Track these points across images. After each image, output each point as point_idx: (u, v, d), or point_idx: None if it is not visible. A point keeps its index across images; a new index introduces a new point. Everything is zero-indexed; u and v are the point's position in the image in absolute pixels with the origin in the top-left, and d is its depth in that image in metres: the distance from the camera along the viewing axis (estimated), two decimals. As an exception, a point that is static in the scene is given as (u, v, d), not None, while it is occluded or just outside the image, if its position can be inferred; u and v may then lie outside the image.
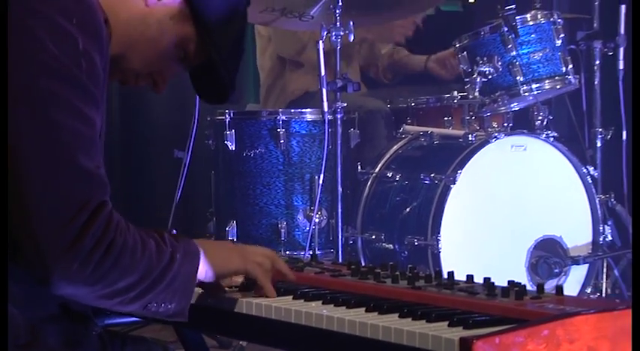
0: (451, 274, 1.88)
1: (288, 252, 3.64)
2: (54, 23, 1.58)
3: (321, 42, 3.41)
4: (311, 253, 3.53)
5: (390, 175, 3.53)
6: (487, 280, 1.79)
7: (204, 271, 1.74)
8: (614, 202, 3.76)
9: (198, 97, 1.98)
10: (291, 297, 1.79)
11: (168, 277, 1.66)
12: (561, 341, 1.49)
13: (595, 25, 3.84)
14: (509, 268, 3.37)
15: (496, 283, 1.78)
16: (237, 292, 1.86)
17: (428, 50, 4.51)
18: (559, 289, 1.70)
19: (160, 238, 1.68)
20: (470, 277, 1.88)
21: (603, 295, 3.62)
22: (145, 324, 2.82)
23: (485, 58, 3.56)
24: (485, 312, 1.60)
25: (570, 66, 3.63)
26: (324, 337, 1.66)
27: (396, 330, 1.55)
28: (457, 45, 3.68)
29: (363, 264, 3.46)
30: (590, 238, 3.52)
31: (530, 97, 3.59)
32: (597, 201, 3.54)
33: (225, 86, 1.87)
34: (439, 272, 1.89)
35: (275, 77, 4.31)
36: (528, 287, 3.37)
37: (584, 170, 3.52)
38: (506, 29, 3.55)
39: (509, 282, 1.74)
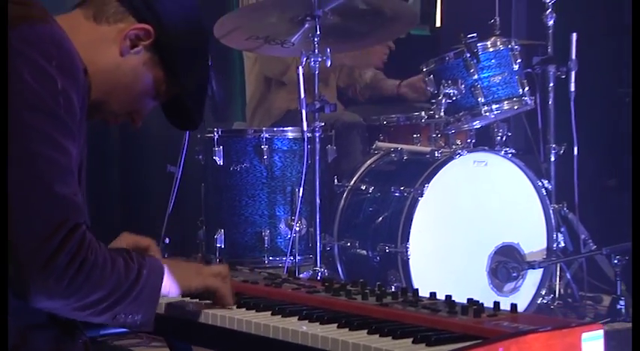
0: (416, 291, 1.82)
1: (271, 258, 3.63)
2: (36, 64, 1.58)
3: (300, 67, 3.38)
4: (292, 258, 3.55)
5: (363, 187, 3.50)
6: (448, 297, 1.74)
7: (167, 286, 1.76)
8: (567, 211, 3.75)
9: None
10: (269, 312, 1.76)
11: (135, 291, 1.66)
12: (515, 358, 1.47)
13: (549, 50, 3.82)
14: (471, 272, 3.35)
15: (457, 300, 1.72)
16: (220, 307, 1.82)
17: (399, 71, 4.48)
18: (513, 307, 1.66)
19: (129, 256, 1.69)
20: (433, 295, 1.81)
21: (556, 295, 3.59)
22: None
23: (449, 81, 3.54)
24: (447, 329, 1.56)
25: (527, 88, 3.62)
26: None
27: (365, 346, 1.52)
28: (424, 69, 3.66)
29: (339, 270, 3.53)
30: (544, 245, 3.50)
31: (491, 117, 3.57)
32: (551, 210, 3.52)
33: (194, 116, 1.90)
34: (405, 290, 1.83)
35: (260, 97, 4.28)
36: (489, 290, 3.42)
37: (539, 183, 3.50)
38: (468, 55, 3.53)
39: (468, 299, 1.69)
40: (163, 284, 1.73)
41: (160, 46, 1.78)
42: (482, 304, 1.67)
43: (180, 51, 1.80)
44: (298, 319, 1.69)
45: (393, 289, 1.86)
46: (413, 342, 1.50)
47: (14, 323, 1.61)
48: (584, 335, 1.53)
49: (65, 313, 1.64)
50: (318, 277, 3.31)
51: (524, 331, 1.49)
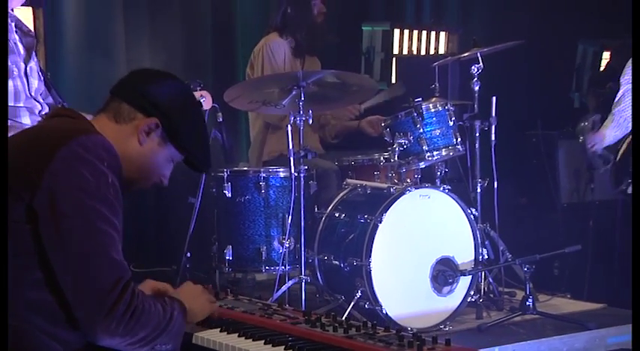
0: (374, 324, 1.76)
1: (267, 267, 3.59)
2: (93, 164, 1.62)
3: (289, 125, 3.36)
4: (283, 267, 3.50)
5: (337, 214, 3.44)
6: (398, 331, 1.69)
7: (188, 321, 1.79)
8: (489, 229, 3.71)
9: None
10: (263, 341, 1.73)
11: (169, 327, 1.67)
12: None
13: (475, 109, 3.77)
14: (418, 279, 3.29)
15: (404, 333, 1.68)
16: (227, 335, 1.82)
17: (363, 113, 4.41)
18: (447, 341, 1.61)
19: (164, 301, 1.71)
20: (387, 328, 1.75)
21: (482, 293, 3.53)
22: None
23: (402, 133, 3.50)
24: (397, 361, 1.52)
25: (459, 138, 3.57)
26: None
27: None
28: (382, 124, 3.61)
29: (319, 277, 3.45)
30: (473, 257, 3.43)
31: (433, 160, 3.53)
32: (477, 230, 3.46)
33: (203, 166, 1.92)
34: (365, 323, 1.77)
35: (260, 143, 4.22)
36: (431, 292, 3.35)
37: (469, 210, 3.44)
38: (415, 114, 3.49)
39: (413, 334, 1.64)
40: (188, 319, 1.76)
41: (166, 129, 1.78)
42: (424, 338, 1.62)
43: (181, 128, 1.80)
44: (284, 349, 1.66)
45: (356, 323, 1.79)
46: (371, 372, 1.47)
47: (63, 348, 1.60)
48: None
49: (121, 348, 1.63)
50: (302, 286, 3.28)
51: (456, 365, 1.46)
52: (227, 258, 3.59)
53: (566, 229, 4.84)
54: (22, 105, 2.25)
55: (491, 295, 3.66)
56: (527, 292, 3.44)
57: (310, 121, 3.42)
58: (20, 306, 1.56)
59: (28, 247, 1.56)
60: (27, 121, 2.27)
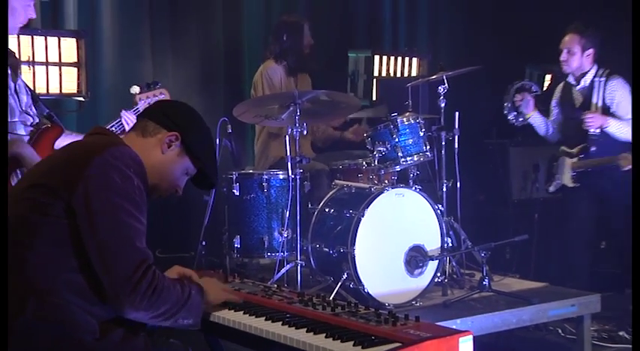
0: (357, 304, 1.75)
1: (269, 253, 3.57)
2: (122, 170, 1.62)
3: (287, 137, 3.35)
4: (282, 253, 3.49)
5: (327, 209, 3.43)
6: (376, 309, 1.69)
7: (205, 301, 1.76)
8: (453, 221, 3.70)
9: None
10: (263, 318, 1.71)
11: (188, 304, 1.65)
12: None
13: (442, 122, 3.76)
14: (394, 263, 3.28)
15: (381, 311, 1.67)
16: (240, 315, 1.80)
17: (350, 123, 4.43)
18: (417, 318, 1.60)
19: (183, 282, 1.70)
20: (367, 306, 1.74)
21: (447, 275, 3.52)
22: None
23: (381, 142, 3.49)
24: (376, 334, 1.52)
25: (428, 146, 3.56)
26: (280, 347, 1.60)
27: (323, 348, 1.48)
28: (365, 134, 3.60)
29: (311, 261, 3.44)
30: (439, 244, 3.42)
31: (406, 164, 3.52)
32: (443, 223, 3.45)
33: (213, 178, 1.91)
34: (349, 303, 1.76)
35: (262, 149, 4.21)
36: (405, 274, 3.35)
37: (436, 206, 3.44)
38: (392, 126, 3.48)
39: (389, 312, 1.64)
40: (205, 300, 1.73)
41: (185, 142, 1.80)
42: (398, 315, 1.62)
43: (195, 142, 1.82)
44: (281, 324, 1.65)
45: (341, 302, 1.79)
46: (353, 345, 1.47)
47: (97, 321, 1.59)
48: (461, 339, 1.49)
49: (145, 321, 1.63)
50: (298, 269, 3.27)
51: (424, 338, 1.46)
52: (236, 246, 3.58)
53: (516, 221, 4.86)
54: (16, 119, 2.23)
55: (455, 276, 3.66)
56: (484, 274, 3.44)
57: (305, 132, 3.41)
58: (61, 287, 1.57)
59: (66, 238, 1.58)
60: (22, 132, 2.25)
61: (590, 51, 3.88)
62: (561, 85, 4.13)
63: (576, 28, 3.90)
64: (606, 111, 3.88)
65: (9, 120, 2.19)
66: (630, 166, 3.58)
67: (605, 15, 4.34)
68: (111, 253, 1.55)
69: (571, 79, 4.01)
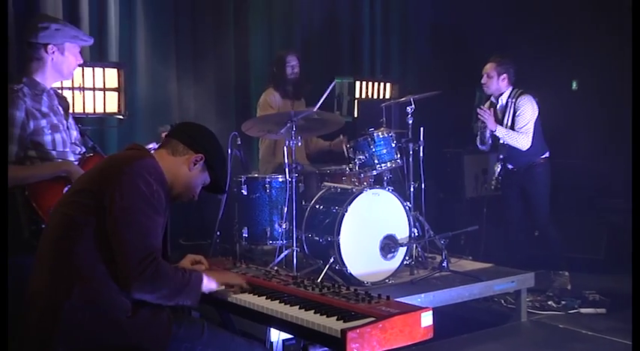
0: (340, 285, 1.74)
1: (270, 242, 3.54)
2: (145, 178, 1.59)
3: (285, 147, 3.31)
4: (281, 242, 3.46)
5: (317, 206, 3.41)
6: (356, 289, 1.67)
7: (206, 284, 1.70)
8: (419, 215, 3.68)
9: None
10: (264, 297, 1.69)
11: (187, 288, 1.62)
12: (386, 329, 1.41)
13: (409, 135, 3.75)
14: (371, 249, 3.27)
15: (360, 290, 1.66)
16: (237, 288, 1.78)
17: (334, 135, 4.33)
18: (388, 297, 1.59)
19: (184, 270, 1.67)
20: (348, 287, 1.73)
21: (413, 258, 3.51)
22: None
23: (360, 152, 3.47)
24: (355, 311, 1.51)
25: (399, 155, 3.55)
26: (278, 321, 1.58)
27: (313, 322, 1.47)
28: (347, 145, 3.58)
29: (305, 249, 3.41)
30: (407, 234, 3.41)
31: (381, 169, 3.50)
32: (411, 217, 3.44)
33: (222, 189, 1.88)
34: (334, 284, 1.75)
35: (267, 155, 4.17)
36: (380, 258, 3.33)
37: (405, 203, 3.43)
38: (369, 139, 3.47)
39: (365, 292, 1.62)
40: (204, 284, 1.69)
41: (206, 161, 1.78)
42: (372, 295, 1.61)
43: (215, 160, 1.80)
44: (279, 302, 1.64)
45: (327, 283, 1.77)
46: (337, 319, 1.46)
47: (130, 301, 1.57)
48: (422, 314, 1.48)
49: (151, 301, 1.60)
50: (294, 254, 3.24)
51: (393, 313, 1.45)
52: (244, 235, 3.54)
53: (469, 214, 4.86)
54: (68, 150, 2.26)
55: (420, 259, 3.66)
56: (443, 257, 3.45)
57: (300, 144, 3.39)
58: (100, 274, 1.55)
59: (102, 233, 1.56)
60: (72, 158, 2.28)
61: (504, 75, 3.90)
62: (487, 103, 4.15)
63: (494, 57, 3.93)
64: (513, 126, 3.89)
65: (62, 150, 2.19)
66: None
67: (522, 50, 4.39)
68: (125, 246, 1.54)
69: (493, 99, 4.04)
